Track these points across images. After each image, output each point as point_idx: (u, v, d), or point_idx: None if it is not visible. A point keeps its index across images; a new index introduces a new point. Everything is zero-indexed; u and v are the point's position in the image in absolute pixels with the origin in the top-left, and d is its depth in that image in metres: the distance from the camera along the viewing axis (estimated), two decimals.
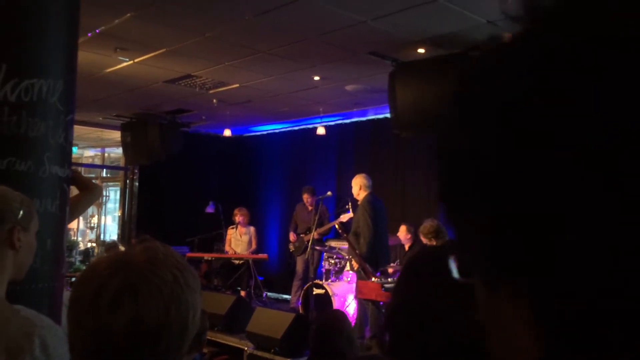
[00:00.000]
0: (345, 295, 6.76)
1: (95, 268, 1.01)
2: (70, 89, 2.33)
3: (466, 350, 1.00)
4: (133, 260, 1.00)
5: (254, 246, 8.56)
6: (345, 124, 9.03)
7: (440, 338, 1.00)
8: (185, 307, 1.00)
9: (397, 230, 7.15)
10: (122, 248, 3.16)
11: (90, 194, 2.75)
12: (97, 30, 5.05)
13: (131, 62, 6.04)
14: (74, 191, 2.64)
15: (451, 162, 0.39)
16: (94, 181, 3.25)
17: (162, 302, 0.96)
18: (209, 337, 5.28)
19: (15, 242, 1.52)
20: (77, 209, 2.67)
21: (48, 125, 2.16)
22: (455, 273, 0.43)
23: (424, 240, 5.61)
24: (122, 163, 10.62)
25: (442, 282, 1.07)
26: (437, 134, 0.40)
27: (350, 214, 7.06)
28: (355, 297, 6.19)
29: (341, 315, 3.36)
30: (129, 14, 4.69)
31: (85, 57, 5.62)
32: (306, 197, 8.15)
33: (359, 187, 6.05)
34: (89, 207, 3.06)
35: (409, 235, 6.91)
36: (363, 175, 6.13)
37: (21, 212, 1.54)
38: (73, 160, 2.52)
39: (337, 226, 6.60)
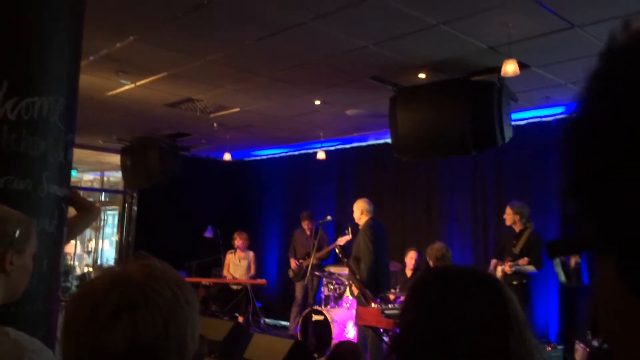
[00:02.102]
0: (345, 322, 6.66)
1: (92, 284, 0.98)
2: (71, 108, 2.31)
3: None
4: (131, 276, 0.97)
5: (252, 271, 8.47)
6: (346, 149, 9.04)
7: (451, 359, 0.96)
8: (184, 325, 0.97)
9: (397, 256, 7.09)
10: None
11: (89, 215, 2.71)
12: (99, 54, 5.08)
13: (133, 85, 6.06)
14: (72, 212, 2.60)
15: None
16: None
17: (161, 319, 0.93)
18: None
19: (7, 266, 1.47)
20: (74, 229, 2.62)
21: (48, 144, 2.13)
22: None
23: (431, 263, 5.55)
24: (121, 187, 10.58)
25: (452, 302, 1.04)
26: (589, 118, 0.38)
27: (347, 237, 7.01)
28: (355, 323, 6.10)
29: (355, 347, 3.31)
30: (131, 37, 4.72)
31: (87, 80, 5.64)
32: (307, 224, 8.10)
33: (360, 211, 6.02)
34: (86, 228, 3.01)
35: (414, 261, 6.86)
36: (365, 200, 6.09)
37: (17, 233, 1.50)
38: (72, 184, 2.49)
39: (337, 250, 6.54)
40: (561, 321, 6.50)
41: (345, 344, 3.68)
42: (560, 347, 5.61)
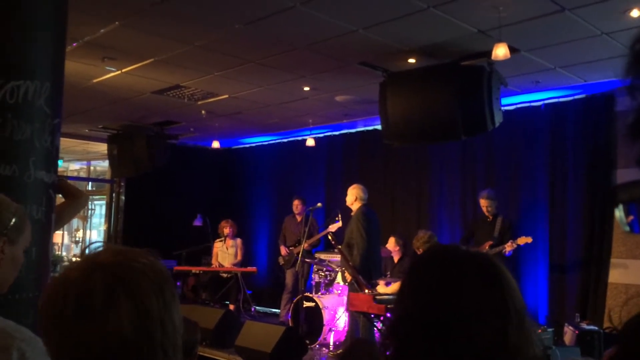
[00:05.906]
0: (336, 308, 6.67)
1: (65, 273, 0.92)
2: (57, 92, 2.26)
3: None
4: (103, 259, 0.92)
5: (239, 257, 8.41)
6: (335, 135, 9.01)
7: (447, 350, 0.94)
8: (173, 301, 0.93)
9: (386, 242, 7.09)
10: None
11: (77, 202, 2.66)
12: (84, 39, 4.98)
13: (119, 72, 5.96)
14: (59, 200, 2.55)
15: None
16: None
17: (158, 290, 0.91)
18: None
19: None
20: (62, 217, 2.58)
21: (34, 129, 2.08)
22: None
23: (420, 252, 5.57)
24: (108, 176, 10.47)
25: (448, 290, 1.01)
26: None
27: (339, 224, 6.99)
28: (347, 309, 6.11)
29: (371, 347, 3.28)
30: (116, 23, 4.63)
31: (72, 66, 5.53)
32: (297, 204, 8.06)
33: (354, 197, 5.99)
34: (75, 215, 2.97)
35: (398, 248, 6.86)
36: (360, 186, 6.05)
37: (13, 221, 1.46)
38: (58, 174, 2.43)
39: (330, 237, 6.52)
40: (550, 304, 6.56)
41: (362, 343, 3.66)
42: (549, 329, 5.67)
